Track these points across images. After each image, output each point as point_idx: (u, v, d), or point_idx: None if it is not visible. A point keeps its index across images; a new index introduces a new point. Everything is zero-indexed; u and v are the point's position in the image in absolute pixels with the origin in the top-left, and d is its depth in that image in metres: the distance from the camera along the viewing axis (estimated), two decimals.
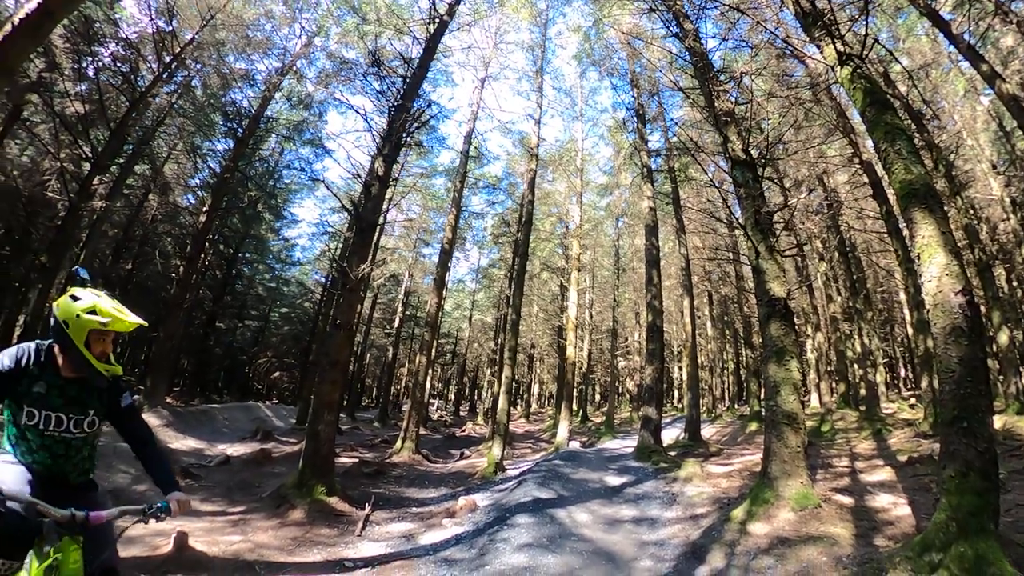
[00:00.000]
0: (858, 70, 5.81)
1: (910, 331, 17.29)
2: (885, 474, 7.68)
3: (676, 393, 36.93)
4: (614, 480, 9.56)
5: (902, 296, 18.96)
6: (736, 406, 26.60)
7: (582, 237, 22.05)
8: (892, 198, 11.78)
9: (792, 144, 12.74)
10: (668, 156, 16.81)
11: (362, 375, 35.26)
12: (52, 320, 2.01)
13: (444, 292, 18.01)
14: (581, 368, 28.43)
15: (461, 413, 37.99)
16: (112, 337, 2.06)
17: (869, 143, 13.16)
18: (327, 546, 6.11)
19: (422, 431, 15.82)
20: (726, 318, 27.87)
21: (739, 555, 5.12)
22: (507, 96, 53.43)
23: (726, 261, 20.39)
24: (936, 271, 4.53)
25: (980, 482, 3.90)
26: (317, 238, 31.47)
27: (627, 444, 15.42)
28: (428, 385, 23.59)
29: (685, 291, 17.61)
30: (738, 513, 6.00)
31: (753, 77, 9.36)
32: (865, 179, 12.82)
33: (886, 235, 12.75)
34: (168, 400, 16.37)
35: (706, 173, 13.89)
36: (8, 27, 4.68)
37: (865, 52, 5.91)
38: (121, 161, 14.86)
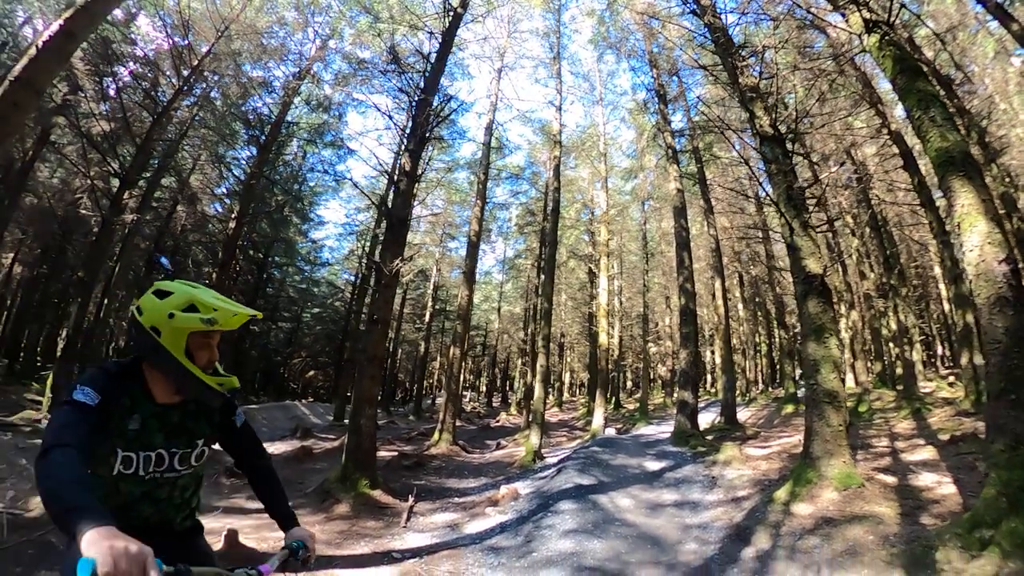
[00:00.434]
0: (886, 37, 5.67)
1: (947, 306, 16.73)
2: (927, 453, 7.52)
3: (709, 377, 36.50)
4: (653, 465, 9.57)
5: (937, 270, 18.36)
6: (770, 389, 26.21)
7: (609, 223, 21.90)
8: (924, 168, 11.41)
9: (818, 117, 12.40)
10: (692, 136, 16.54)
11: (395, 370, 35.81)
12: (133, 329, 1.53)
13: (473, 284, 18.14)
14: (613, 355, 28.36)
15: (494, 404, 38.32)
16: (219, 339, 1.60)
17: (897, 112, 12.73)
18: (374, 538, 6.24)
19: (457, 423, 16.04)
20: (757, 299, 27.40)
21: (784, 535, 5.11)
22: (525, 85, 53.05)
23: (756, 240, 20.01)
24: (978, 239, 4.41)
25: None
26: (344, 238, 32.08)
27: (662, 430, 15.38)
28: (461, 377, 23.87)
29: (716, 273, 17.37)
30: (781, 494, 5.97)
31: (776, 50, 9.14)
32: (895, 150, 12.41)
33: (919, 207, 12.34)
34: None
35: (733, 150, 13.63)
36: (33, 50, 4.93)
37: (892, 18, 5.75)
38: (148, 175, 15.36)
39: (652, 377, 37.88)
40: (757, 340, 30.53)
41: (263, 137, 17.71)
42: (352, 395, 9.17)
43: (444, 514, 7.59)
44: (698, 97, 15.76)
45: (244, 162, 19.22)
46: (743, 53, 9.00)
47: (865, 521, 4.89)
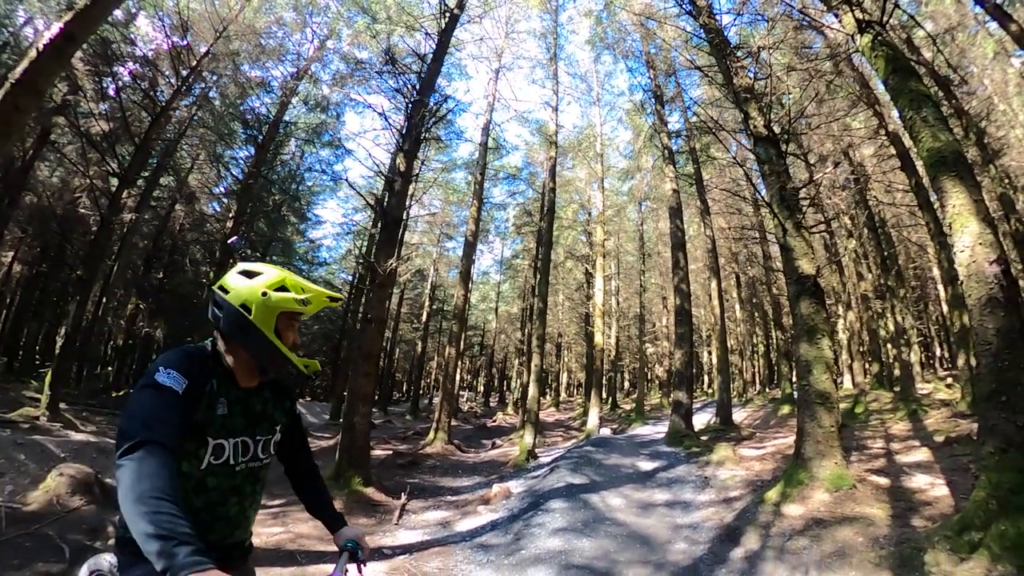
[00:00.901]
0: (879, 37, 5.66)
1: (945, 308, 16.75)
2: (921, 455, 7.51)
3: (706, 378, 36.51)
4: (646, 465, 9.57)
5: (935, 272, 18.32)
6: (767, 389, 26.18)
7: (605, 223, 21.92)
8: (921, 169, 11.40)
9: (815, 118, 12.39)
10: (689, 136, 16.54)
11: (392, 370, 35.79)
12: (216, 309, 1.46)
13: (470, 284, 18.13)
14: (609, 355, 28.35)
15: (491, 404, 38.32)
16: (299, 324, 1.56)
17: (895, 113, 12.73)
18: (366, 535, 6.23)
19: (453, 422, 16.04)
20: (754, 300, 27.39)
21: (774, 536, 5.10)
22: (522, 86, 53.14)
23: (752, 241, 20.01)
24: (969, 240, 4.41)
25: (1021, 458, 3.81)
26: (342, 238, 31.97)
27: (658, 430, 15.37)
28: (458, 377, 23.83)
29: (712, 273, 17.38)
30: (772, 495, 5.96)
31: (771, 51, 9.13)
32: (892, 151, 12.41)
33: (916, 208, 12.32)
34: None
35: (728, 152, 13.64)
36: (33, 52, 4.93)
37: (886, 18, 5.74)
38: (147, 174, 15.35)
39: (649, 377, 37.89)
40: (754, 341, 30.50)
41: (261, 137, 17.71)
42: (347, 393, 9.18)
43: (436, 512, 7.60)
44: (692, 99, 15.80)
45: (242, 162, 19.25)
46: (738, 54, 8.99)
47: (855, 522, 4.88)
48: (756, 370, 31.11)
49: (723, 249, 21.83)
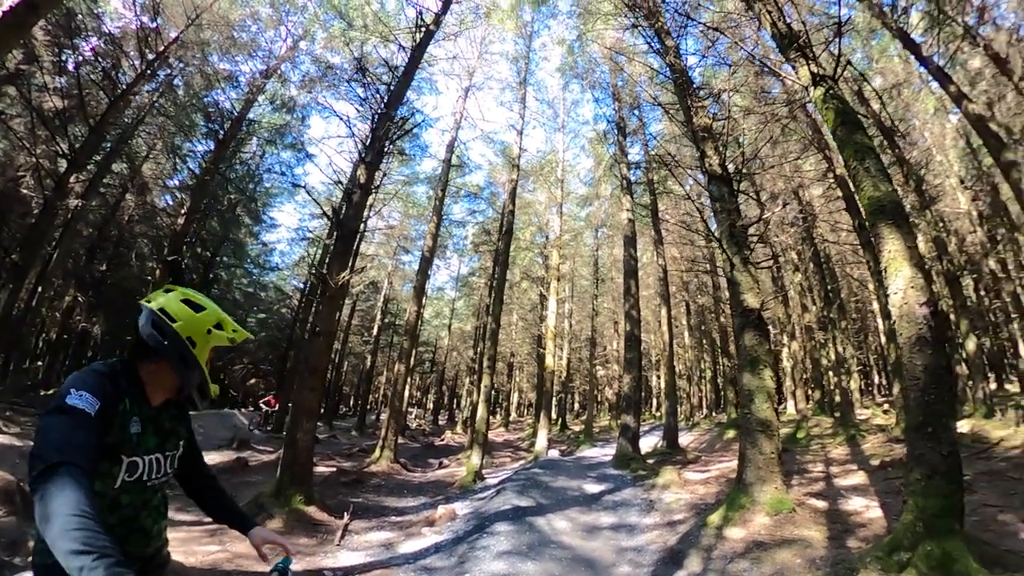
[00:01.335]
0: (830, 91, 6.05)
1: (883, 339, 17.88)
2: (858, 478, 7.90)
3: (655, 401, 37.25)
4: (593, 488, 9.63)
5: (875, 306, 19.52)
6: (714, 414, 26.95)
7: (562, 247, 22.26)
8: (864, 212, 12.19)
9: (769, 159, 13.07)
10: (648, 169, 17.10)
11: (340, 383, 34.82)
12: (158, 333, 1.47)
13: (424, 300, 17.96)
14: (560, 377, 28.54)
15: (440, 422, 37.75)
16: None
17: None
18: (306, 555, 6.04)
19: (401, 440, 15.71)
20: (704, 327, 28.30)
21: (716, 559, 5.23)
22: (491, 106, 53.75)
23: (704, 272, 20.74)
24: (902, 284, 4.72)
25: (945, 485, 4.07)
26: (296, 243, 31.09)
27: (606, 452, 15.53)
28: (407, 394, 23.42)
29: (663, 301, 17.87)
30: (715, 518, 6.12)
31: (731, 94, 9.62)
32: (839, 193, 13.22)
33: (859, 247, 13.16)
34: None
35: (683, 187, 14.20)
36: None
37: (838, 74, 6.16)
38: (99, 159, 14.55)
39: (599, 399, 38.33)
40: (703, 366, 31.45)
41: (222, 132, 17.17)
42: (290, 407, 8.87)
43: (380, 532, 7.40)
44: (653, 134, 16.37)
45: (200, 156, 18.61)
46: (701, 94, 9.44)
47: (794, 545, 5.06)
48: (704, 395, 32.02)
49: (675, 278, 22.51)
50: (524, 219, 26.69)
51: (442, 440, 24.49)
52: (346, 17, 14.39)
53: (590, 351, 27.58)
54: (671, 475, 9.27)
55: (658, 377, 33.66)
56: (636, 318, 14.64)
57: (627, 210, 15.83)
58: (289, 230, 38.89)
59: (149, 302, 1.51)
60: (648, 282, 24.19)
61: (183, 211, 16.22)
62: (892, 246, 4.91)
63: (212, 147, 17.48)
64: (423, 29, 11.01)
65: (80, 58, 13.00)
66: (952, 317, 13.63)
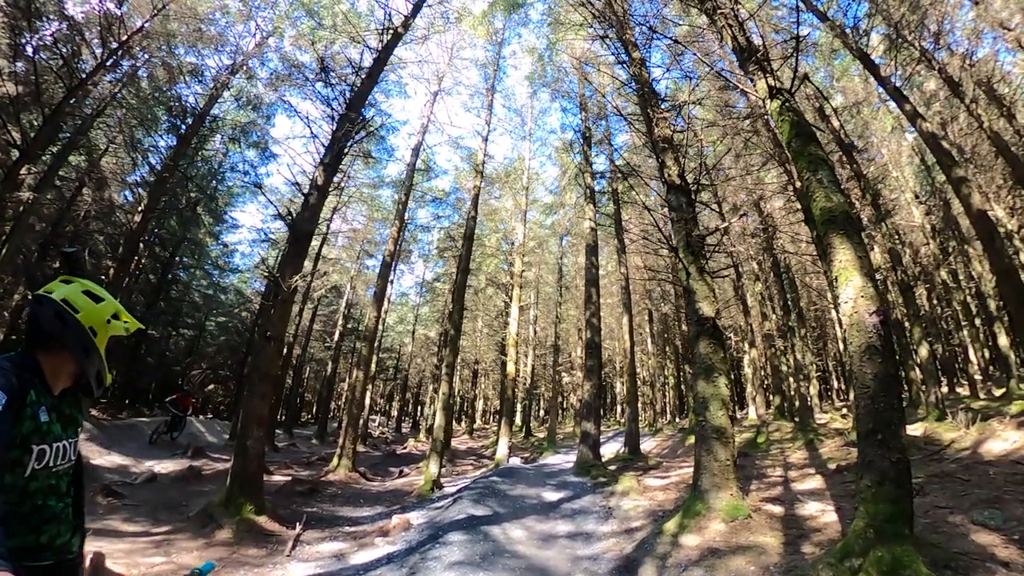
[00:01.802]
0: (786, 103, 6.18)
1: (841, 346, 18.53)
2: (815, 482, 8.03)
3: (618, 408, 37.55)
4: (552, 495, 9.55)
5: (834, 314, 20.19)
6: (677, 419, 27.31)
7: (526, 254, 22.27)
8: None
9: (732, 171, 13.35)
10: (612, 178, 17.27)
11: (301, 390, 33.94)
12: (60, 322, 1.52)
13: (386, 306, 17.69)
14: (525, 383, 28.48)
15: (403, 430, 37.19)
16: None
17: None
18: (254, 567, 5.80)
19: (361, 448, 15.36)
20: (666, 335, 28.70)
21: (670, 567, 5.20)
22: (459, 112, 53.62)
23: (667, 281, 21.02)
24: (852, 293, 4.81)
25: (895, 490, 4.13)
26: (258, 245, 30.25)
27: (568, 459, 15.49)
28: (368, 401, 22.96)
29: (625, 309, 18.02)
30: (670, 526, 6.11)
31: (694, 106, 9.79)
32: (799, 205, 13.59)
33: (817, 258, 13.56)
34: (92, 412, 15.13)
35: (645, 197, 14.37)
36: None
37: (794, 88, 6.30)
38: (54, 150, 13.81)
39: (564, 406, 38.40)
40: (665, 373, 31.86)
41: (185, 127, 16.60)
42: (240, 414, 8.54)
43: (332, 543, 7.15)
44: (617, 144, 16.53)
45: (161, 151, 18.03)
46: (664, 106, 9.56)
47: (749, 551, 5.07)
48: (667, 401, 32.43)
49: (638, 286, 22.77)
50: (491, 225, 26.64)
51: (404, 448, 24.10)
52: (316, 15, 14.12)
53: (554, 358, 27.61)
54: (630, 482, 9.27)
55: (622, 383, 33.94)
56: (597, 326, 14.69)
57: (590, 219, 15.92)
58: (251, 231, 37.87)
59: (50, 292, 1.55)
60: (612, 290, 24.41)
61: (141, 208, 15.59)
62: (843, 256, 5.01)
63: (174, 143, 16.91)
64: (391, 31, 10.88)
65: (39, 42, 12.31)
66: (906, 325, 14.14)
